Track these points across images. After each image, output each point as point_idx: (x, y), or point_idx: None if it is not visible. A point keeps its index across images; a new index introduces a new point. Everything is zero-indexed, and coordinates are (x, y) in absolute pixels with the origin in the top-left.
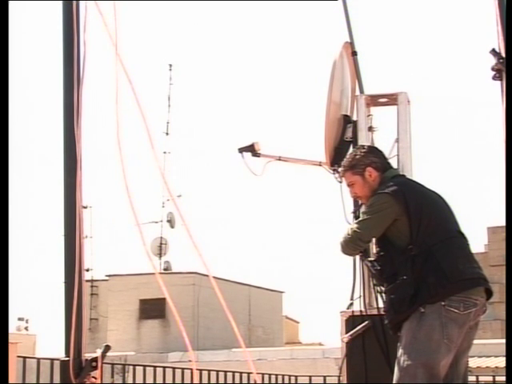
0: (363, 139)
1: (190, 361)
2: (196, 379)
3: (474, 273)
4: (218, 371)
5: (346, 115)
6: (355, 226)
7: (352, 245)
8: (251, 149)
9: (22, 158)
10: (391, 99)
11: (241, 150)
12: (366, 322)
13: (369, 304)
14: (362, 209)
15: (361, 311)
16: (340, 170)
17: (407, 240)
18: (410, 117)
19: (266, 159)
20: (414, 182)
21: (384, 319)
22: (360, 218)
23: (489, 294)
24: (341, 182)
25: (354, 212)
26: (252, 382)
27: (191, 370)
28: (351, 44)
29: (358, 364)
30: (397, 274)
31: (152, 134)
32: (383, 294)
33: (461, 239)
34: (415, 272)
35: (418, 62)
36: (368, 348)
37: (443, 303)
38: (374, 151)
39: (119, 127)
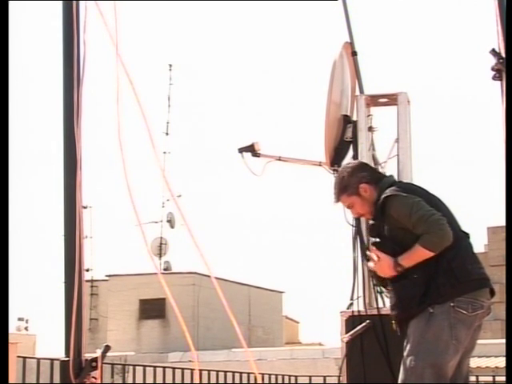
0: (363, 139)
1: (190, 361)
2: (197, 379)
3: (481, 273)
4: (217, 371)
5: (346, 115)
6: (431, 228)
7: (446, 234)
8: (251, 149)
9: (22, 158)
10: (391, 99)
11: (241, 150)
12: (366, 322)
13: (369, 304)
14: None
15: (359, 311)
16: (333, 196)
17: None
18: (410, 117)
19: (265, 159)
20: (410, 184)
21: (383, 319)
22: (422, 221)
23: (492, 294)
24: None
25: None
26: (252, 381)
27: (191, 370)
28: (351, 44)
29: (358, 364)
30: (407, 272)
31: (152, 134)
32: (384, 293)
33: (466, 239)
34: (426, 271)
35: (417, 62)
36: (368, 348)
37: (452, 304)
38: (359, 167)
39: (120, 127)
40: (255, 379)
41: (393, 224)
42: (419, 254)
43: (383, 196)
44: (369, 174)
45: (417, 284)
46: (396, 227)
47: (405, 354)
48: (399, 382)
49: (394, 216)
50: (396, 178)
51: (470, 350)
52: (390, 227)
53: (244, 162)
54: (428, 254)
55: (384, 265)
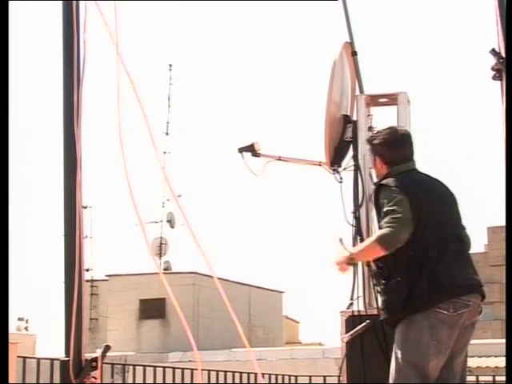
0: (363, 139)
1: (190, 361)
2: (200, 379)
3: (468, 279)
4: (217, 371)
5: (346, 115)
6: (389, 219)
7: (400, 234)
8: (251, 149)
9: (22, 158)
10: (391, 99)
11: (241, 150)
12: (366, 322)
13: (369, 304)
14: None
15: (358, 311)
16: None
17: None
18: (410, 117)
19: (265, 159)
20: (420, 177)
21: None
22: (388, 216)
23: (482, 297)
24: (341, 182)
25: (354, 212)
26: (252, 381)
27: (191, 370)
28: (351, 44)
29: (358, 364)
30: (391, 275)
31: (153, 134)
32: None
33: (458, 244)
34: (409, 274)
35: (418, 61)
36: (368, 348)
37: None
38: (391, 144)
39: (121, 127)
40: (255, 379)
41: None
42: (369, 248)
43: (378, 183)
44: (391, 155)
45: (400, 287)
46: None
47: (392, 356)
48: (389, 382)
49: (380, 205)
50: None
51: (461, 349)
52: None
53: (244, 162)
54: (378, 250)
55: (336, 255)
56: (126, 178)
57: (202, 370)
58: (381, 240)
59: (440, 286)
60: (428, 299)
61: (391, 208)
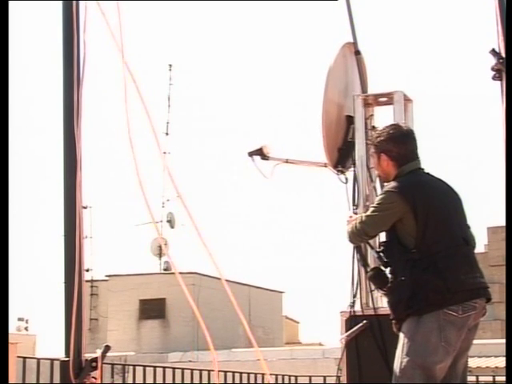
0: (360, 139)
1: (190, 361)
2: (216, 379)
3: (476, 283)
4: (218, 371)
5: (350, 116)
6: (363, 218)
7: (358, 237)
8: (260, 152)
9: (23, 159)
10: (390, 98)
11: (250, 154)
12: (363, 323)
13: (366, 304)
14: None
15: (353, 311)
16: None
17: (412, 241)
18: (413, 115)
19: (273, 162)
20: (427, 178)
21: (381, 319)
22: (368, 212)
23: (488, 300)
24: (345, 183)
25: (354, 213)
26: (252, 381)
27: (191, 370)
28: (354, 43)
29: (358, 364)
30: (395, 273)
31: (157, 134)
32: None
33: (465, 247)
34: (414, 274)
35: (419, 61)
36: (367, 348)
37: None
38: (396, 138)
39: (130, 127)
40: (255, 379)
41: None
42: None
43: (384, 189)
44: (397, 151)
45: (403, 287)
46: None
47: (396, 355)
48: (392, 382)
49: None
50: None
51: (465, 350)
52: None
53: (255, 166)
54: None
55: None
56: (137, 177)
57: (202, 370)
58: (348, 232)
59: (449, 290)
60: (436, 301)
61: (370, 210)
